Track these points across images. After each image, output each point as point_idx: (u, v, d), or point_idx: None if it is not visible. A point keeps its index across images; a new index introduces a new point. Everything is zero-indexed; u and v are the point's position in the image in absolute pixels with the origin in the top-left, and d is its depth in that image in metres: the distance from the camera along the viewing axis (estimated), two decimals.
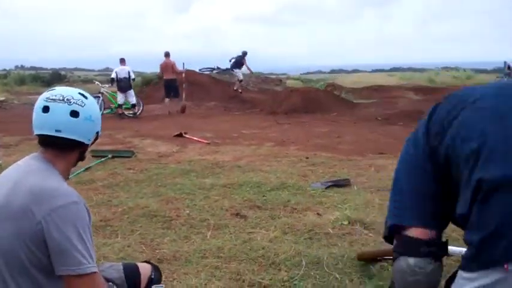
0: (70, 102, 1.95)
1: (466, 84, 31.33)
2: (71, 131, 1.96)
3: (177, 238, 4.68)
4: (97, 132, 2.08)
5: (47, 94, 1.97)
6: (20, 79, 38.84)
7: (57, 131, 1.93)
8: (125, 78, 16.18)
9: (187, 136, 11.28)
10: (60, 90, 1.98)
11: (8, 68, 58.38)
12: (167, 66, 17.30)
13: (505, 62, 32.50)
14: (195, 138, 10.99)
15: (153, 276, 2.41)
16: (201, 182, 6.80)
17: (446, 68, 41.78)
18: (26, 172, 1.93)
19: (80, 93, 2.02)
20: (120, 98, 16.35)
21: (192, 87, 19.27)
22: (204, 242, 4.55)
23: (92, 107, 2.03)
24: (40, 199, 1.80)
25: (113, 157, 8.65)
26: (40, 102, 1.95)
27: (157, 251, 4.36)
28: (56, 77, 42.52)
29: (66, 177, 2.02)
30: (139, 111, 16.82)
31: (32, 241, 1.78)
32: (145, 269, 2.42)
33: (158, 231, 4.86)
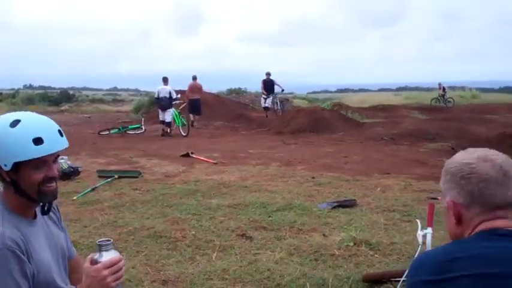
0: None
1: (473, 103, 31.33)
2: None
3: (182, 259, 4.68)
4: None
5: None
6: (28, 98, 39.14)
7: None
8: (165, 97, 16.85)
9: (194, 156, 11.31)
10: None
11: (16, 87, 58.82)
12: (196, 87, 19.29)
13: (439, 84, 32.94)
14: (201, 158, 11.02)
15: None
16: (207, 203, 6.81)
17: (453, 88, 41.85)
18: None
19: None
20: (161, 116, 17.10)
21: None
22: (210, 264, 4.54)
23: None
24: None
25: (119, 177, 8.67)
26: None
27: (162, 272, 4.35)
28: (65, 97, 42.80)
29: (26, 213, 1.89)
30: (171, 131, 17.05)
31: None
32: None
33: (163, 253, 4.86)
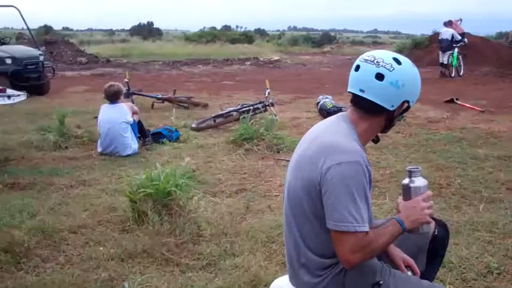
0: (378, 64, 1.91)
1: None
2: (373, 93, 1.92)
3: (447, 207, 4.59)
4: (405, 101, 1.96)
5: (364, 54, 2.00)
6: (292, 40, 41.53)
7: (361, 90, 1.94)
8: (446, 39, 16.95)
9: (459, 102, 10.76)
10: (375, 52, 1.98)
11: (281, 29, 62.72)
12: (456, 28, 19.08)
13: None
14: (467, 105, 10.42)
15: (436, 233, 2.36)
16: (473, 152, 6.48)
17: None
18: (326, 128, 2.04)
19: (394, 57, 1.94)
20: (441, 57, 17.28)
21: (463, 50, 18.12)
22: (476, 215, 4.36)
23: (403, 73, 1.92)
24: (326, 153, 1.88)
25: None
26: (356, 61, 2.00)
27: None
28: (326, 38, 44.17)
29: (365, 140, 2.04)
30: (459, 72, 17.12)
31: (312, 190, 1.90)
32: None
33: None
